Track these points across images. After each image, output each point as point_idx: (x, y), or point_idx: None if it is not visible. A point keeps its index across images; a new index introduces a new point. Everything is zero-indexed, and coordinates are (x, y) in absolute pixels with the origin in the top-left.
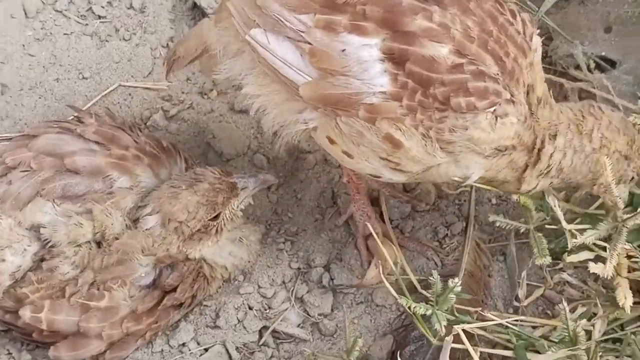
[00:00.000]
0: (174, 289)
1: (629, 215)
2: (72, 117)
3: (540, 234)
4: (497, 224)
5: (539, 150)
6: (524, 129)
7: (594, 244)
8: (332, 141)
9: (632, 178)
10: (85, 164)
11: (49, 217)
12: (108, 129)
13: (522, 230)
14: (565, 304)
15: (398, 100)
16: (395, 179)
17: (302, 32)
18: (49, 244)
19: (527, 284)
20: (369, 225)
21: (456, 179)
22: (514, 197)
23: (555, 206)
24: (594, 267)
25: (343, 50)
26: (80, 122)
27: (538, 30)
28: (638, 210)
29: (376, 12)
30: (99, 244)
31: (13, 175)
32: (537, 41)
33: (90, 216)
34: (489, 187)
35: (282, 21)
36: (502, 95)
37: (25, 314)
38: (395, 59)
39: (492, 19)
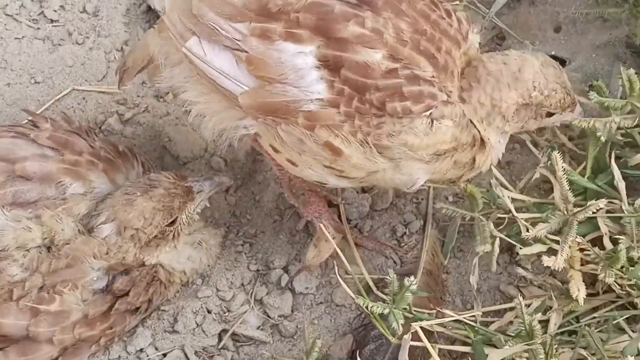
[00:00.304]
0: (127, 294)
1: (579, 209)
2: (26, 121)
3: (485, 221)
4: (444, 211)
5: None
6: (460, 130)
7: (546, 236)
8: (275, 150)
9: (555, 114)
10: (36, 170)
11: None
12: (62, 133)
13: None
14: (520, 298)
15: (336, 107)
16: (341, 185)
17: (238, 40)
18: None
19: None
20: (322, 225)
21: (402, 186)
22: (461, 184)
23: (502, 195)
24: (547, 260)
25: (279, 58)
26: (36, 126)
27: (475, 28)
28: (587, 204)
29: (309, 20)
30: (49, 249)
31: None
32: (472, 38)
33: (40, 221)
34: (443, 185)
35: (218, 30)
36: (437, 98)
37: None
38: (331, 66)
39: (425, 17)
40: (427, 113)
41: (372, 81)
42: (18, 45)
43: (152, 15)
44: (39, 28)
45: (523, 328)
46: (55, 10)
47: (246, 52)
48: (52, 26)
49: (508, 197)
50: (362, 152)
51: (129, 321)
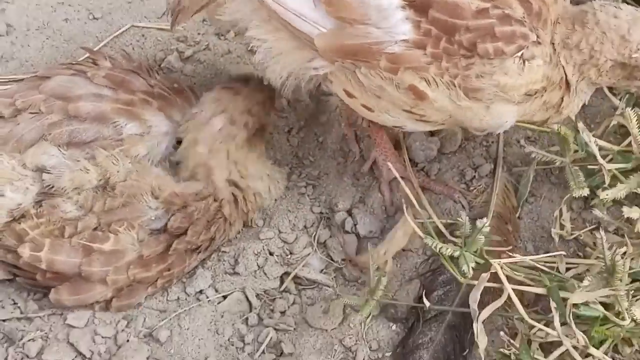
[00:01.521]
0: (184, 232)
1: None
2: (84, 58)
3: (576, 167)
4: (532, 155)
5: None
6: (551, 68)
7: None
8: (350, 95)
9: None
10: (89, 110)
11: (55, 160)
12: (119, 72)
13: (556, 164)
14: (602, 232)
15: (422, 48)
16: (419, 129)
17: None
18: (52, 189)
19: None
20: (392, 169)
21: (488, 128)
22: (555, 127)
23: (590, 141)
24: (627, 211)
25: None
26: (95, 64)
27: None
28: None
29: None
30: (104, 189)
31: (21, 117)
32: None
33: (96, 162)
34: (530, 126)
35: None
36: (529, 38)
37: (24, 251)
38: (417, 6)
39: None
40: (519, 54)
41: (462, 21)
42: None
43: None
44: None
45: (604, 264)
46: None
47: None
48: None
49: (595, 143)
50: (447, 95)
51: (188, 262)
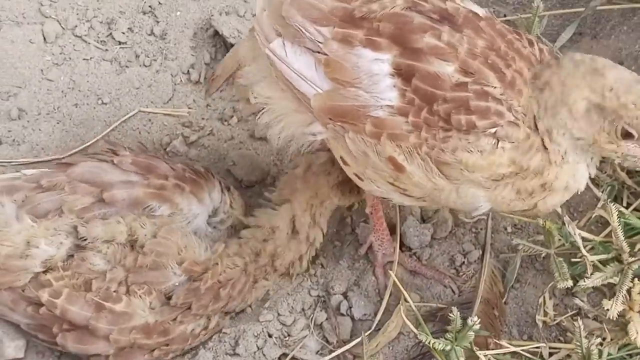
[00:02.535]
0: (189, 307)
1: (634, 259)
2: (105, 149)
3: (560, 259)
4: (515, 243)
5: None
6: (522, 153)
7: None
8: (345, 162)
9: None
10: (124, 197)
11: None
12: (144, 158)
13: (542, 256)
14: (580, 322)
15: (404, 115)
16: (405, 203)
17: (320, 42)
18: (85, 241)
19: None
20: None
21: (464, 210)
22: (539, 220)
23: (574, 234)
24: (606, 303)
25: (357, 63)
26: (115, 154)
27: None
28: None
29: (388, 29)
30: (132, 247)
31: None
32: None
33: (125, 221)
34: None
35: (303, 31)
36: (504, 117)
37: (44, 295)
38: (403, 74)
39: (501, 36)
40: (492, 131)
41: (441, 92)
42: (86, 66)
43: (218, 40)
44: (107, 50)
45: (580, 350)
46: (123, 33)
47: (326, 54)
48: (120, 48)
49: (579, 235)
50: (423, 171)
51: (190, 342)
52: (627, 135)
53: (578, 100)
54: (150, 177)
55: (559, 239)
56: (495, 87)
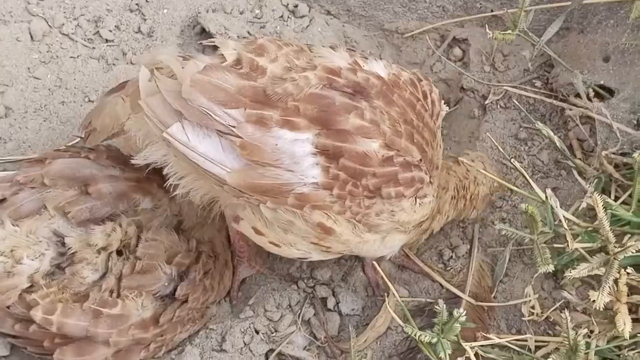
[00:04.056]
0: (186, 300)
1: (620, 249)
2: (77, 140)
3: (543, 244)
4: (503, 232)
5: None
6: (435, 202)
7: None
8: (258, 232)
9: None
10: (110, 190)
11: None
12: (116, 153)
13: (525, 241)
14: (567, 313)
15: (329, 189)
16: (323, 258)
17: (232, 126)
18: (71, 251)
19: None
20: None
21: (381, 255)
22: (522, 206)
23: (557, 207)
24: (593, 295)
25: (276, 145)
26: (91, 149)
27: (444, 110)
28: (627, 245)
29: (310, 110)
30: (119, 253)
31: (21, 190)
32: (442, 115)
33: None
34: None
35: (210, 115)
36: (424, 181)
37: (37, 314)
38: (330, 154)
39: (411, 107)
40: (415, 195)
41: (369, 168)
42: (73, 64)
43: (205, 37)
44: (94, 48)
45: (567, 343)
46: (110, 30)
47: (240, 137)
48: (107, 46)
49: (565, 219)
50: (351, 230)
51: (179, 330)
52: None
53: (476, 193)
54: (126, 169)
55: (542, 224)
56: (414, 157)
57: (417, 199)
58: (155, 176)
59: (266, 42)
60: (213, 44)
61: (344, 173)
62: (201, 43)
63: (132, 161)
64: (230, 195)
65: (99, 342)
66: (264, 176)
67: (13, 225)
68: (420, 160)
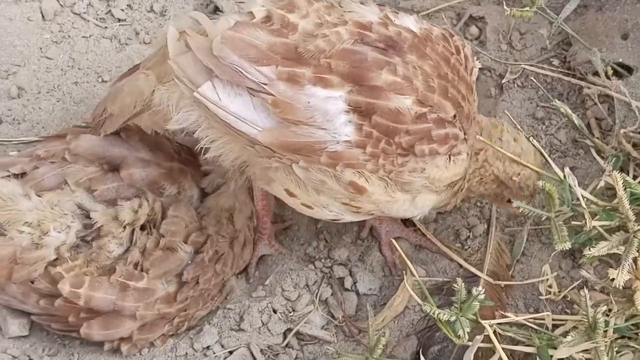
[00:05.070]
0: (197, 282)
1: (639, 227)
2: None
3: (561, 222)
4: (521, 210)
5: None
6: (469, 161)
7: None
8: (291, 194)
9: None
10: (142, 177)
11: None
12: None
13: (543, 220)
14: (586, 291)
15: (362, 147)
16: (354, 219)
17: (264, 84)
18: (97, 224)
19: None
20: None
21: (410, 215)
22: (539, 183)
23: (575, 186)
24: (612, 273)
25: (308, 102)
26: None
27: (477, 66)
28: None
29: (342, 66)
30: (142, 227)
31: (41, 164)
32: (475, 72)
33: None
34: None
35: (241, 72)
36: (459, 137)
37: (65, 287)
38: (362, 111)
39: (445, 61)
40: (449, 152)
41: (402, 126)
42: (85, 44)
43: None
44: (106, 27)
45: (586, 321)
46: (122, 10)
47: (272, 95)
48: (120, 25)
49: (583, 198)
50: (383, 188)
51: (202, 305)
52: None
53: (491, 176)
54: (158, 154)
55: (560, 202)
56: (448, 113)
57: (452, 157)
58: (188, 167)
59: None
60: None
61: (376, 131)
62: None
63: (167, 127)
64: (261, 158)
65: (125, 315)
66: (297, 134)
67: (38, 196)
68: (455, 116)
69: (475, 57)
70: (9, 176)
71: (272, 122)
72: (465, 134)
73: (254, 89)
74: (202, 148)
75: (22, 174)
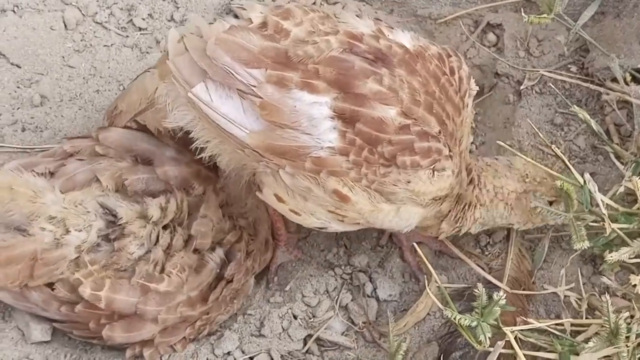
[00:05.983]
0: (231, 280)
1: None
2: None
3: (579, 223)
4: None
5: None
6: (456, 181)
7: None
8: (280, 199)
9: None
10: (176, 174)
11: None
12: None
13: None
14: (608, 296)
15: (345, 155)
16: (341, 229)
17: (253, 86)
18: (122, 221)
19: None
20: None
21: (396, 228)
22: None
23: (594, 191)
24: (634, 279)
25: (294, 106)
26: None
27: (473, 89)
28: None
29: (329, 73)
30: (164, 226)
31: (69, 161)
32: (470, 94)
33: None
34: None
35: (232, 74)
36: (442, 153)
37: (85, 290)
38: (346, 118)
39: (435, 79)
40: (432, 166)
41: (385, 135)
42: (107, 52)
43: None
44: (127, 36)
45: (608, 326)
46: (143, 19)
47: (260, 97)
48: (141, 34)
49: (603, 203)
50: (367, 198)
51: (224, 309)
52: None
53: (510, 194)
54: (187, 154)
55: (579, 203)
56: (433, 128)
57: (435, 171)
58: (213, 173)
59: (293, 7)
60: (242, 7)
61: (360, 138)
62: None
63: (164, 124)
64: (251, 162)
65: (147, 319)
66: (282, 137)
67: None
68: (439, 132)
69: (472, 80)
70: (34, 175)
71: (260, 126)
72: (450, 150)
73: (243, 91)
74: (197, 147)
75: (51, 173)
